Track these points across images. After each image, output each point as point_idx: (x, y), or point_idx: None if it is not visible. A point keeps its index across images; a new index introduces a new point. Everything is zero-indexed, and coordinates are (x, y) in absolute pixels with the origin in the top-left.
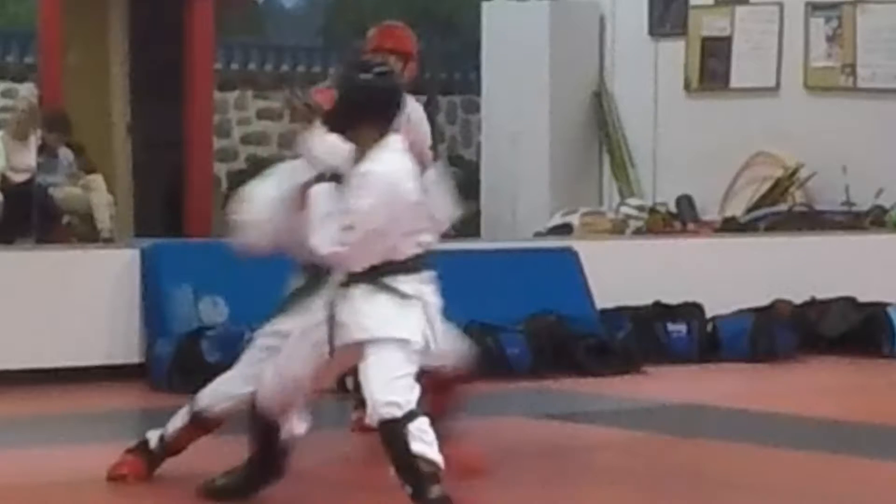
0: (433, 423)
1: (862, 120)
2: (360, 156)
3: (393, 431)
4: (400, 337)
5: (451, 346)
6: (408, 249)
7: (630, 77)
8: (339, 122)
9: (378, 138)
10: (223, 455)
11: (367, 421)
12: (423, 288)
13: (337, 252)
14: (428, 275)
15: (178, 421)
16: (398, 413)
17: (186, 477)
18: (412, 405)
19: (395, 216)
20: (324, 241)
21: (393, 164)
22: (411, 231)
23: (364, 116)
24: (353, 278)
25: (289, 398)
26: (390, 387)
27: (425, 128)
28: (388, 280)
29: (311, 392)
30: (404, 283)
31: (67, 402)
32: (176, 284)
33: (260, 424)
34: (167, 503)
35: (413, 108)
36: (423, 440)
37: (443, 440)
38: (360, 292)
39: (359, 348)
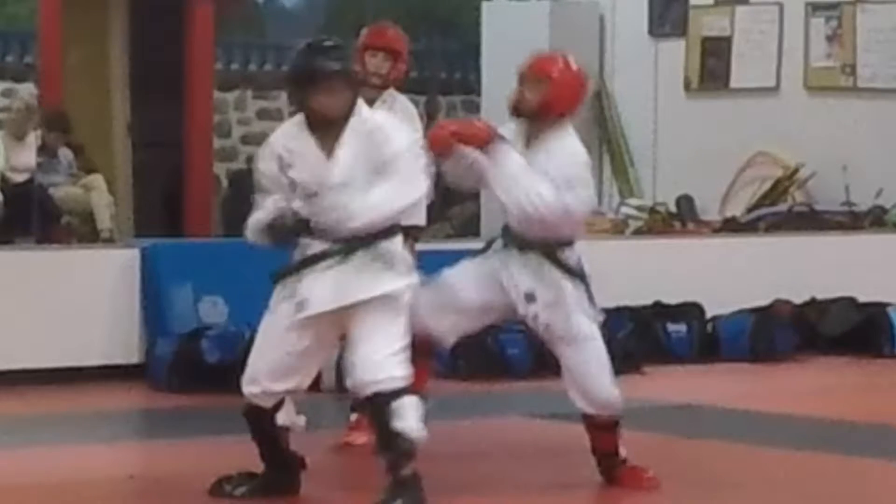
0: (605, 461)
1: (862, 120)
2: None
3: (377, 406)
4: (385, 292)
5: (600, 391)
6: None
7: (630, 77)
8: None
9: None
10: (226, 455)
11: (351, 391)
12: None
13: None
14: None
15: None
16: (384, 388)
17: (188, 476)
18: (398, 382)
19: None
20: None
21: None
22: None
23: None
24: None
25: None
26: (379, 365)
27: (416, 125)
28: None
29: (303, 373)
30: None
31: (67, 402)
32: (176, 284)
33: (253, 415)
34: (169, 503)
35: (404, 106)
36: (404, 417)
37: (617, 467)
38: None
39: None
